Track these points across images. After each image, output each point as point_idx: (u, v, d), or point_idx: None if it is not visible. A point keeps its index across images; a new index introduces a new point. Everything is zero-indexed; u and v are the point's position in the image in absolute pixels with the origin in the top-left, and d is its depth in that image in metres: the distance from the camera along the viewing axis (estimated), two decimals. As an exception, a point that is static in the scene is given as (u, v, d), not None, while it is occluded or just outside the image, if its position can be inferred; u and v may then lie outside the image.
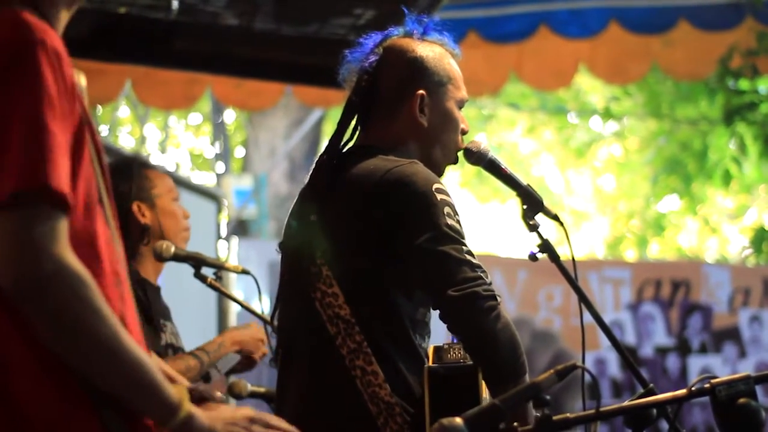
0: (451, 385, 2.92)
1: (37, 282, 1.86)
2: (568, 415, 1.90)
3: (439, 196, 2.96)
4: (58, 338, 1.90)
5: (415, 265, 2.96)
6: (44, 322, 1.89)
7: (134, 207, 4.02)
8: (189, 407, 1.98)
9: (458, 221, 2.97)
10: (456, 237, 2.93)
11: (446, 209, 2.95)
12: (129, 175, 4.07)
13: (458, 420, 1.87)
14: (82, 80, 2.08)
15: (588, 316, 3.02)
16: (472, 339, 2.91)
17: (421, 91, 3.15)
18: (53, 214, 1.88)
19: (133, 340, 1.95)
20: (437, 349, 3.06)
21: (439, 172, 3.19)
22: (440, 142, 3.18)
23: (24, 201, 1.86)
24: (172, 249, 3.93)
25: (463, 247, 2.93)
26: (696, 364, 9.28)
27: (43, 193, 1.87)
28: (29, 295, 1.86)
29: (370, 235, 3.00)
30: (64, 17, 2.11)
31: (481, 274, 2.90)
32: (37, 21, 1.96)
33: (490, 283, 2.91)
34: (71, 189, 1.92)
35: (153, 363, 1.97)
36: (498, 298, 2.90)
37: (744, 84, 9.28)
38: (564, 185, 18.12)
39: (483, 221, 17.93)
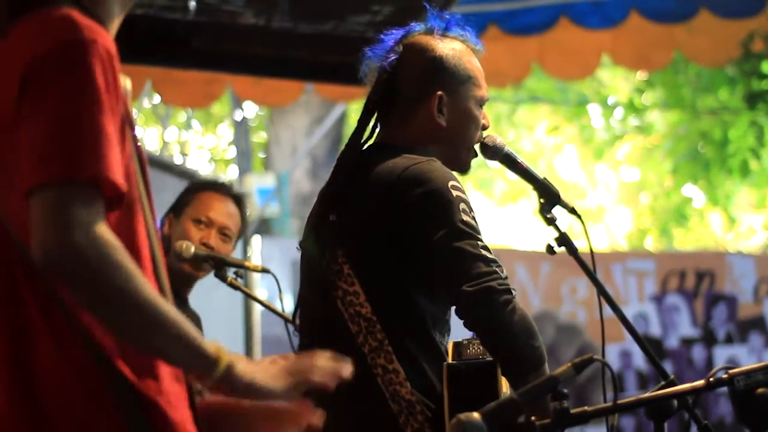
0: (469, 381, 2.92)
1: (70, 248, 1.88)
2: (585, 408, 1.91)
3: (455, 193, 2.97)
4: (97, 304, 1.92)
5: (432, 262, 2.96)
6: (81, 290, 1.91)
7: (167, 219, 4.07)
8: (229, 358, 2.00)
9: (473, 217, 2.98)
10: (471, 233, 2.94)
11: (461, 205, 2.96)
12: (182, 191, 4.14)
13: (476, 415, 1.87)
14: (126, 82, 2.12)
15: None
16: (488, 334, 2.92)
17: (439, 92, 3.14)
18: (93, 196, 1.92)
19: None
20: (456, 345, 3.06)
21: (460, 170, 3.18)
22: (458, 141, 3.18)
23: (66, 182, 1.91)
24: (192, 249, 3.93)
25: (478, 242, 2.93)
26: (722, 354, 9.25)
27: (86, 177, 1.92)
28: (62, 262, 1.88)
29: (389, 232, 3.01)
30: (116, 21, 2.14)
31: (496, 269, 2.90)
32: (87, 21, 2.00)
33: (506, 277, 2.91)
34: (121, 179, 1.96)
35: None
36: (513, 291, 2.90)
37: (766, 67, 9.23)
38: (587, 178, 18.07)
39: (505, 215, 17.91)
